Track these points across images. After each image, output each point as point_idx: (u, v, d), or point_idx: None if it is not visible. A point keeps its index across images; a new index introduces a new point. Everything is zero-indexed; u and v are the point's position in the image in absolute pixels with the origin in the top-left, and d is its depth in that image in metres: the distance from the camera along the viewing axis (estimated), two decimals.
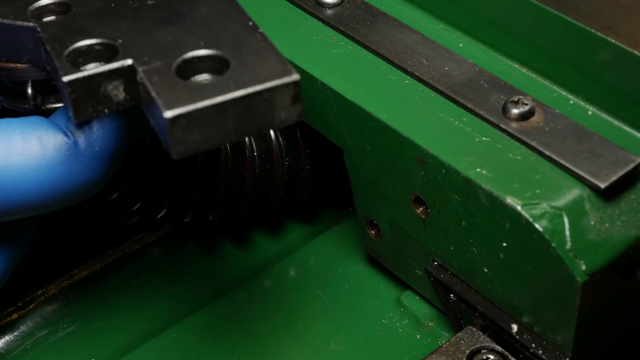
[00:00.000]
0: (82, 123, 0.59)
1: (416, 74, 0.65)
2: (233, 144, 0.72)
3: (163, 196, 0.74)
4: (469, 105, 0.63)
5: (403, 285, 0.74)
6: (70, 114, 0.55)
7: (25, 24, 0.58)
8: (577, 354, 0.59)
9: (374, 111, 0.63)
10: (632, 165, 0.58)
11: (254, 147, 0.74)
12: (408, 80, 0.66)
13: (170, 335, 0.74)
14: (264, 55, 0.54)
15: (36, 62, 0.60)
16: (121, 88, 0.55)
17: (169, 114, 0.50)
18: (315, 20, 0.71)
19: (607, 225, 0.57)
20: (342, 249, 0.80)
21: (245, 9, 0.61)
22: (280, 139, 0.74)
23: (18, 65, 0.61)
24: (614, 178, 0.57)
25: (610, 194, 0.58)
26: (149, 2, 0.59)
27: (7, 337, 0.74)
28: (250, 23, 0.57)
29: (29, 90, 0.62)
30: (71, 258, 0.79)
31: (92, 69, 0.54)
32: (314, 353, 0.72)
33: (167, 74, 0.53)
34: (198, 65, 0.54)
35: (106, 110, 0.55)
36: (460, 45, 0.69)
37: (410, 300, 0.74)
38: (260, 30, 0.56)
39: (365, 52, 0.68)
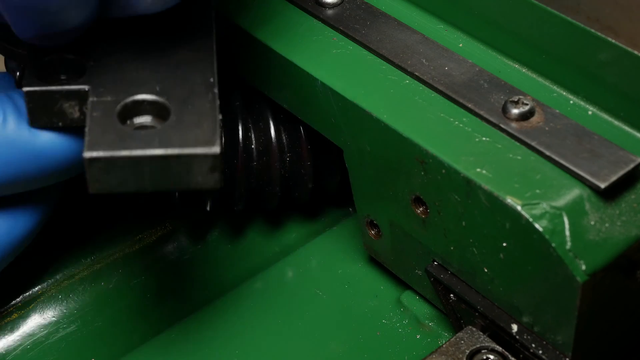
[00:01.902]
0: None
1: (416, 74, 0.65)
2: (227, 134, 0.73)
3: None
4: (469, 105, 0.63)
5: (403, 285, 0.74)
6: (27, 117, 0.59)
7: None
8: (577, 354, 0.59)
9: (374, 111, 0.63)
10: (632, 165, 0.58)
11: (253, 139, 0.74)
12: (408, 80, 0.65)
13: (170, 335, 0.74)
14: (201, 118, 0.56)
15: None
16: (77, 108, 0.58)
17: (87, 154, 0.53)
18: (315, 20, 0.71)
19: (607, 225, 0.57)
20: (342, 249, 0.79)
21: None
22: (283, 134, 0.74)
23: (18, 49, 0.64)
24: (614, 178, 0.57)
25: (610, 194, 0.58)
26: (142, 28, 0.61)
27: (7, 337, 0.74)
28: (212, 79, 0.59)
29: (17, 73, 0.67)
30: (71, 258, 0.79)
31: (53, 84, 0.57)
32: (314, 353, 0.72)
33: (110, 112, 0.56)
34: (144, 107, 0.57)
35: (60, 124, 0.59)
36: (460, 45, 0.69)
37: (410, 300, 0.74)
38: (215, 90, 0.58)
39: (365, 52, 0.68)
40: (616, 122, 0.63)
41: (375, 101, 0.64)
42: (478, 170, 0.59)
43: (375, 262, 0.76)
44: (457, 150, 0.60)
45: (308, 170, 0.75)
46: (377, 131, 0.63)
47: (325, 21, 0.70)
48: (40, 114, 0.58)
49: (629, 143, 0.61)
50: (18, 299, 0.76)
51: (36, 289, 0.77)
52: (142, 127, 0.56)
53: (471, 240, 0.61)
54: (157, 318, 0.76)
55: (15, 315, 0.76)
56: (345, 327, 0.73)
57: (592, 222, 0.57)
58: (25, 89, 0.57)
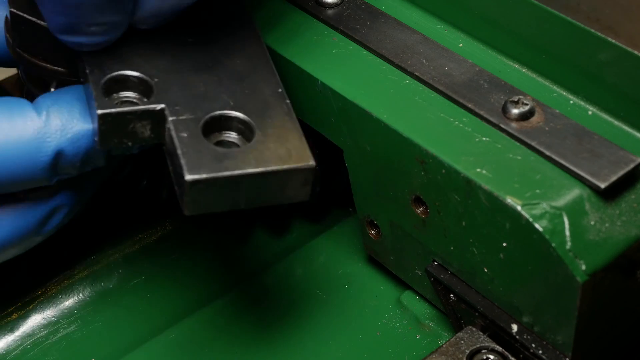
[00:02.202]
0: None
1: (416, 74, 0.65)
2: None
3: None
4: (469, 105, 0.63)
5: (403, 285, 0.74)
6: (96, 138, 0.57)
7: None
8: (577, 354, 0.59)
9: (374, 111, 0.63)
10: (632, 165, 0.58)
11: None
12: (408, 80, 0.65)
13: (170, 335, 0.74)
14: (286, 132, 0.56)
15: (70, 70, 0.62)
16: (148, 127, 0.57)
17: (189, 177, 0.53)
18: (315, 20, 0.71)
19: (607, 225, 0.57)
20: (342, 249, 0.79)
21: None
22: None
23: (51, 66, 0.63)
24: (614, 178, 0.57)
25: (610, 194, 0.58)
26: (190, 39, 0.60)
27: (7, 337, 0.74)
28: (280, 90, 0.59)
29: (52, 88, 0.65)
30: (71, 258, 0.79)
31: (125, 106, 0.56)
32: (314, 353, 0.72)
33: (195, 131, 0.55)
34: (225, 123, 0.57)
35: (130, 144, 0.57)
36: (460, 45, 0.68)
37: (410, 300, 0.74)
38: (287, 100, 0.58)
39: (365, 52, 0.68)
40: (616, 122, 0.63)
41: (375, 101, 0.64)
42: (478, 170, 0.59)
43: (375, 262, 0.76)
44: (457, 150, 0.60)
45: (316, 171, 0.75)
46: (377, 131, 0.63)
47: (325, 21, 0.70)
48: (112, 136, 0.57)
49: (629, 143, 0.61)
50: (18, 299, 0.76)
51: (36, 289, 0.77)
52: (226, 143, 0.56)
53: (471, 240, 0.61)
54: (157, 318, 0.76)
55: (15, 315, 0.76)
56: (345, 327, 0.73)
57: (592, 222, 0.57)
58: (100, 111, 0.55)
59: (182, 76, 0.58)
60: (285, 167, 0.54)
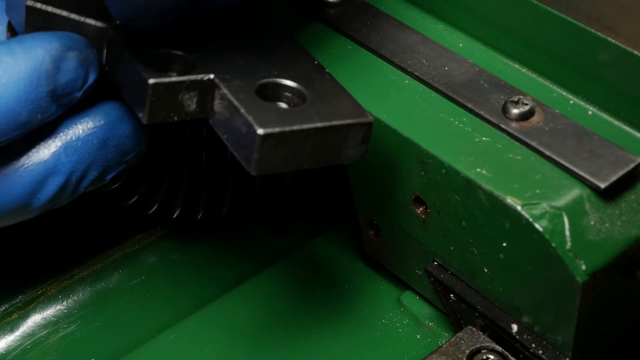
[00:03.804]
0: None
1: (416, 74, 0.65)
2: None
3: (176, 196, 0.74)
4: (469, 105, 0.63)
5: (403, 285, 0.74)
6: (142, 115, 0.56)
7: (94, 22, 0.59)
8: (577, 354, 0.59)
9: (373, 111, 0.63)
10: (632, 165, 0.58)
11: None
12: (408, 80, 0.66)
13: (170, 335, 0.74)
14: (337, 94, 0.57)
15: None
16: (195, 99, 0.57)
17: (261, 131, 0.53)
18: (315, 20, 0.71)
19: (607, 225, 0.57)
20: (342, 249, 0.80)
21: None
22: None
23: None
24: (614, 178, 0.57)
25: (610, 194, 0.58)
26: (219, 24, 0.61)
27: (7, 337, 0.74)
28: (316, 62, 0.60)
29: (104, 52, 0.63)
30: (71, 258, 0.79)
31: (174, 76, 0.56)
32: (314, 353, 0.72)
33: (250, 93, 0.55)
34: (274, 92, 0.57)
35: (175, 118, 0.57)
36: (460, 45, 0.68)
37: (410, 300, 0.74)
38: (327, 70, 0.59)
39: (365, 52, 0.68)
40: (616, 122, 0.63)
41: (375, 101, 0.64)
42: (478, 170, 0.59)
43: (375, 262, 0.76)
44: (457, 150, 0.60)
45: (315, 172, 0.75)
46: (377, 131, 0.63)
47: (325, 21, 0.70)
48: (160, 109, 0.56)
49: (629, 143, 0.61)
50: (18, 299, 0.76)
51: (36, 289, 0.77)
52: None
53: (471, 240, 0.61)
54: (157, 318, 0.76)
55: (15, 315, 0.76)
56: (345, 327, 0.73)
57: (592, 222, 0.57)
58: (152, 81, 0.55)
59: (222, 54, 0.59)
60: (348, 121, 0.55)
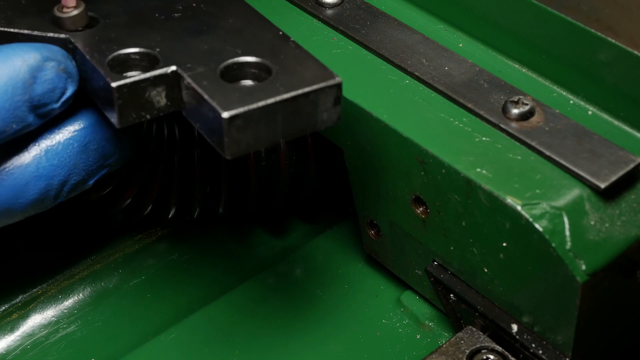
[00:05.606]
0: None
1: (416, 74, 0.65)
2: None
3: (170, 195, 0.74)
4: (469, 105, 0.63)
5: (403, 285, 0.74)
6: (114, 119, 0.56)
7: (57, 35, 0.59)
8: (577, 354, 0.59)
9: (374, 111, 0.63)
10: (632, 165, 0.58)
11: None
12: (408, 80, 0.66)
13: (170, 335, 0.74)
14: (302, 61, 0.57)
15: None
16: (163, 94, 0.57)
17: (226, 114, 0.53)
18: (315, 20, 0.71)
19: (607, 225, 0.57)
20: (342, 249, 0.79)
21: None
22: None
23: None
24: (614, 178, 0.57)
25: (610, 194, 0.58)
26: (175, 14, 0.61)
27: (7, 337, 0.74)
28: (281, 33, 0.59)
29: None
30: (71, 258, 0.79)
31: (137, 75, 0.56)
32: (314, 353, 0.72)
33: (214, 78, 0.55)
34: (239, 71, 0.57)
35: (148, 116, 0.57)
36: (460, 45, 0.69)
37: (410, 300, 0.74)
38: (292, 39, 0.59)
39: (365, 52, 0.68)
40: (616, 122, 0.63)
41: (375, 101, 0.64)
42: (478, 170, 0.59)
43: (375, 262, 0.76)
44: (457, 150, 0.60)
45: (313, 169, 0.75)
46: (377, 131, 0.63)
47: (325, 21, 0.70)
48: (129, 110, 0.56)
49: (629, 143, 0.61)
50: (18, 299, 0.76)
51: (36, 289, 0.77)
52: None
53: (471, 240, 0.61)
54: (157, 318, 0.76)
55: (15, 315, 0.76)
56: (345, 327, 0.73)
57: (592, 222, 0.57)
58: (114, 84, 0.55)
59: (181, 42, 0.59)
60: (315, 87, 0.55)
